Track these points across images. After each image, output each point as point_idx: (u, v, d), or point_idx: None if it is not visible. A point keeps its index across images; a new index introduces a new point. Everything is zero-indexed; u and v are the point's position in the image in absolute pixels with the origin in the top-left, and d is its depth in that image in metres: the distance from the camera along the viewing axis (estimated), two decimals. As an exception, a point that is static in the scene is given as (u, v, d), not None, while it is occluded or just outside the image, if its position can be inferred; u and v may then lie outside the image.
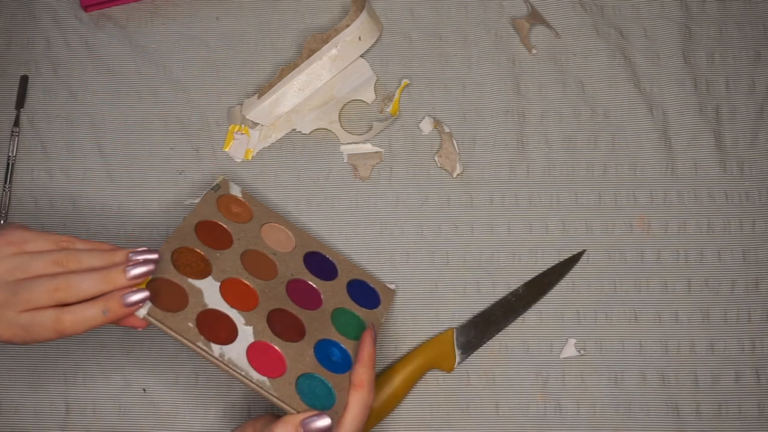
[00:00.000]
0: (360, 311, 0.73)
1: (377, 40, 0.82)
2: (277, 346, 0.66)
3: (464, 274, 0.79)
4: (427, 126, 0.81)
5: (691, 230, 0.80)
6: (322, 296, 0.72)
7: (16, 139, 0.80)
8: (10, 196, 0.79)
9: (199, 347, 0.63)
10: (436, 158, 0.81)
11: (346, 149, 0.81)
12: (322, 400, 0.64)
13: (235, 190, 0.76)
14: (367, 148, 0.81)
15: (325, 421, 0.61)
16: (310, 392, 0.64)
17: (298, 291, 0.71)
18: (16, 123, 0.81)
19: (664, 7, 0.83)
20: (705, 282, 0.79)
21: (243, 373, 0.63)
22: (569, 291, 0.79)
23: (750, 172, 0.81)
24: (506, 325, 0.77)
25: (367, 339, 0.67)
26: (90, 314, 0.61)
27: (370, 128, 0.81)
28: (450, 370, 0.77)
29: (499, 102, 0.82)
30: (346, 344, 0.69)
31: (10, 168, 0.80)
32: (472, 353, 0.77)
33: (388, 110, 0.82)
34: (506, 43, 0.83)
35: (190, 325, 0.63)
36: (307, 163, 0.81)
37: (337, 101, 0.81)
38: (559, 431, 0.77)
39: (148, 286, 0.63)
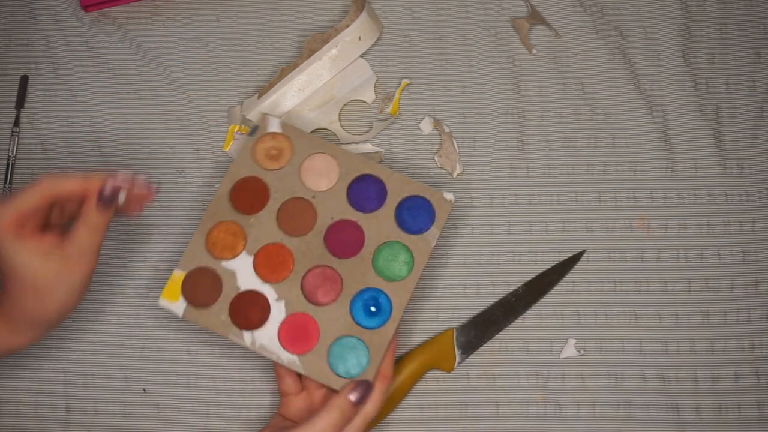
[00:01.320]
0: (407, 239, 0.72)
1: (377, 40, 0.82)
2: (311, 313, 0.69)
3: (464, 274, 0.79)
4: (427, 126, 0.81)
5: (691, 230, 0.80)
6: (365, 234, 0.72)
7: (16, 139, 0.80)
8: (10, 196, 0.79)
9: (231, 339, 0.69)
10: (436, 158, 0.81)
11: (346, 149, 0.81)
12: (355, 363, 0.68)
13: (274, 125, 0.74)
14: (367, 148, 0.81)
15: (357, 393, 0.66)
16: (343, 358, 0.68)
17: (337, 237, 0.72)
18: (16, 123, 0.81)
19: (664, 7, 0.83)
20: (705, 282, 0.79)
21: (274, 356, 0.68)
22: (569, 291, 0.79)
23: (750, 172, 0.81)
24: (506, 325, 0.77)
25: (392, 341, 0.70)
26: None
27: (370, 128, 0.81)
28: (450, 370, 0.77)
29: (499, 102, 0.82)
30: (388, 288, 0.70)
31: (10, 168, 0.80)
32: (472, 353, 0.77)
33: (388, 110, 0.82)
34: (506, 43, 0.83)
35: (223, 318, 0.69)
36: (307, 163, 0.81)
37: (337, 101, 0.81)
38: (559, 431, 0.77)
39: (184, 282, 0.69)
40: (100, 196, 0.64)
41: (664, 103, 0.82)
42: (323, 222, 0.72)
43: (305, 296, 0.70)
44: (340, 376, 0.68)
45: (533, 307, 0.78)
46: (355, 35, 0.80)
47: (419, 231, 0.72)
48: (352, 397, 0.66)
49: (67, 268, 0.64)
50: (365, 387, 0.66)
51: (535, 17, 0.83)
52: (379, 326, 0.69)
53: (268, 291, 0.70)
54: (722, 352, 0.78)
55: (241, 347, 0.69)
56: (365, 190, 0.73)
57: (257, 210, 0.72)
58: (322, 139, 0.74)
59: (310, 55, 0.80)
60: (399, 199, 0.73)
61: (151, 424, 0.76)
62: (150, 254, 0.79)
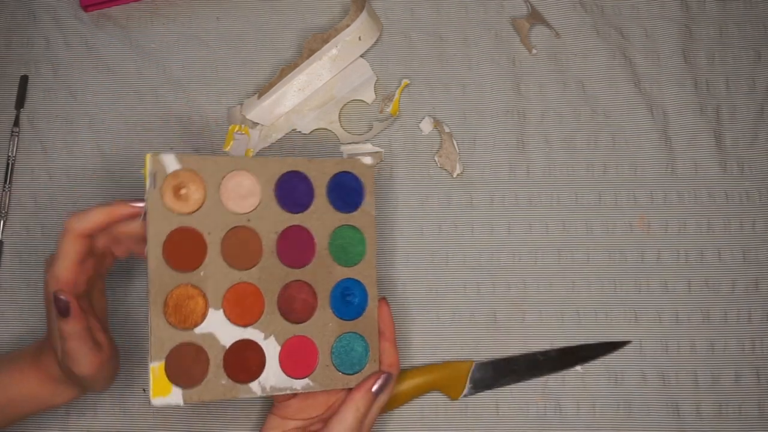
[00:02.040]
0: (350, 219, 0.70)
1: (377, 40, 0.82)
2: (301, 332, 0.68)
3: (464, 274, 0.79)
4: (427, 126, 0.81)
5: (691, 230, 0.80)
6: (312, 233, 0.69)
7: (16, 139, 0.80)
8: (10, 196, 0.79)
9: (242, 398, 0.68)
10: (436, 158, 0.81)
11: (346, 149, 0.81)
12: (358, 356, 0.69)
13: (171, 164, 0.65)
14: (367, 148, 0.81)
15: (379, 384, 0.68)
16: (347, 356, 0.69)
17: (289, 249, 0.68)
18: (16, 123, 0.81)
19: (664, 7, 0.83)
20: (705, 282, 0.79)
21: (288, 390, 0.67)
22: (569, 291, 0.79)
23: (750, 172, 0.81)
24: (526, 379, 0.77)
25: (385, 312, 0.70)
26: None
27: (370, 128, 0.81)
28: (455, 398, 0.76)
29: (499, 102, 0.82)
30: (354, 273, 0.70)
31: (10, 168, 0.80)
32: (482, 392, 0.77)
33: (388, 110, 0.82)
34: (506, 43, 0.83)
35: (224, 382, 0.65)
36: (307, 163, 0.81)
37: (337, 101, 0.81)
38: (559, 431, 0.77)
39: (167, 368, 0.64)
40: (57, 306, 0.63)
41: (664, 103, 0.82)
42: (269, 240, 0.68)
43: (288, 320, 0.67)
44: (351, 375, 0.68)
45: (533, 307, 0.78)
46: (355, 35, 0.80)
47: (355, 207, 0.70)
48: (375, 387, 0.67)
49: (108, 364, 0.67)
50: (386, 378, 0.68)
51: (535, 17, 0.83)
52: (363, 312, 0.69)
53: (252, 334, 0.66)
54: (722, 352, 0.78)
55: (257, 398, 0.69)
56: (292, 190, 0.69)
57: (200, 261, 0.66)
58: (224, 156, 0.69)
59: (310, 55, 0.80)
60: (325, 183, 0.70)
61: (151, 424, 0.76)
62: (150, 254, 0.79)
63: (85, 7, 0.82)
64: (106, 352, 0.66)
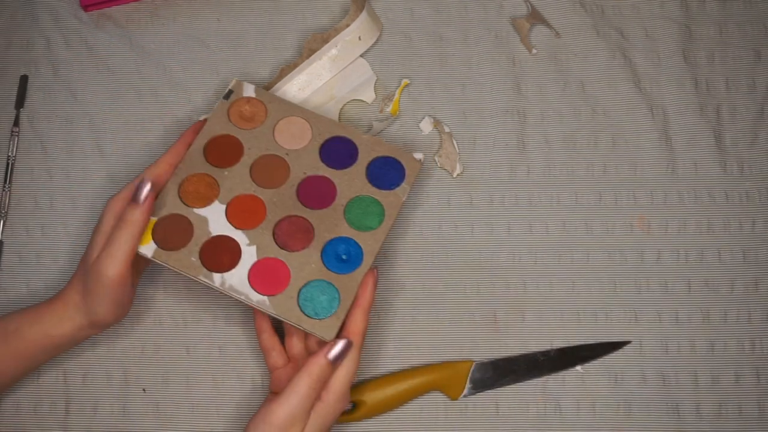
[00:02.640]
0: (379, 194, 0.73)
1: (377, 40, 0.82)
2: (282, 258, 0.70)
3: (464, 274, 0.79)
4: (427, 126, 0.81)
5: (691, 230, 0.80)
6: (336, 189, 0.73)
7: (16, 139, 0.80)
8: (9, 196, 0.79)
9: (200, 280, 0.69)
10: (436, 158, 0.81)
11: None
12: (325, 305, 0.68)
13: (249, 91, 0.76)
14: (367, 148, 0.81)
15: (344, 343, 0.66)
16: (313, 300, 0.68)
17: (310, 190, 0.73)
18: (16, 123, 0.81)
19: (664, 7, 0.83)
20: (705, 282, 0.79)
21: (243, 296, 0.68)
22: (569, 291, 0.79)
23: (750, 172, 0.81)
24: (525, 380, 0.77)
25: (369, 282, 0.69)
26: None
27: (370, 128, 0.81)
28: (455, 398, 0.76)
29: (499, 102, 0.82)
30: (359, 237, 0.71)
31: (9, 168, 0.80)
32: (481, 392, 0.77)
33: (388, 110, 0.82)
34: (506, 43, 0.83)
35: (193, 259, 0.69)
36: (307, 163, 0.81)
37: (337, 101, 0.81)
38: (559, 431, 0.76)
39: (155, 227, 0.70)
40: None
41: (664, 103, 0.82)
42: (296, 176, 0.73)
43: (277, 243, 0.70)
44: (309, 317, 0.68)
45: (534, 307, 0.78)
46: (355, 35, 0.80)
47: (390, 186, 0.73)
48: (330, 355, 0.66)
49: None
50: (345, 345, 0.66)
51: (535, 17, 0.83)
52: (350, 272, 0.70)
53: (239, 237, 0.70)
54: (722, 353, 0.78)
55: (210, 288, 0.69)
56: (337, 150, 0.74)
57: (231, 164, 0.73)
58: (295, 104, 0.76)
59: (310, 55, 0.80)
60: (370, 159, 0.74)
61: (151, 424, 0.76)
62: (150, 254, 0.79)
63: (85, 7, 0.82)
64: (130, 292, 0.70)
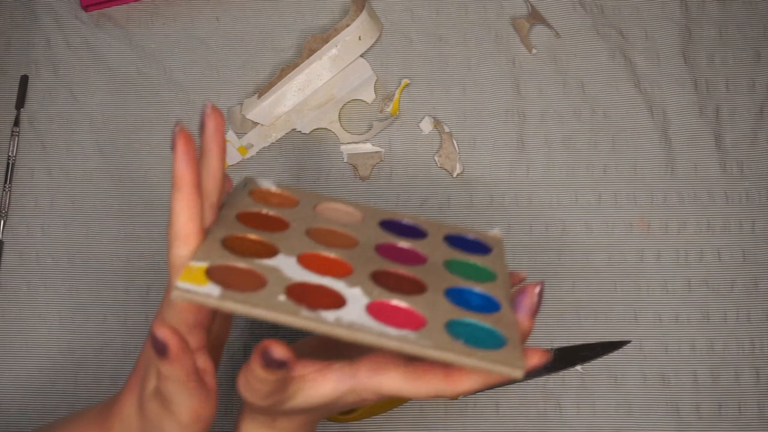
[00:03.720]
0: (475, 258, 0.58)
1: (377, 40, 0.82)
2: (401, 302, 0.50)
3: (464, 274, 0.79)
4: (427, 126, 0.81)
5: (691, 230, 0.80)
6: (423, 253, 0.56)
7: (16, 139, 0.80)
8: (10, 196, 0.79)
9: (304, 318, 0.46)
10: (436, 158, 0.81)
11: (346, 149, 0.81)
12: (486, 342, 0.48)
13: (267, 183, 0.61)
14: (367, 147, 0.81)
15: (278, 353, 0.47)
16: (468, 334, 0.49)
17: (392, 253, 0.56)
18: (16, 123, 0.81)
19: (664, 8, 0.83)
20: (705, 282, 0.79)
21: (376, 332, 0.47)
22: (569, 291, 0.79)
23: (750, 173, 0.81)
24: (525, 379, 0.77)
25: (533, 289, 0.52)
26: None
27: (370, 128, 0.81)
28: (455, 398, 0.76)
29: (499, 102, 0.82)
30: (483, 288, 0.54)
31: (10, 168, 0.80)
32: (481, 392, 0.77)
33: (388, 110, 0.82)
34: (506, 43, 0.83)
35: (282, 298, 0.48)
36: (307, 163, 0.81)
37: (337, 101, 0.81)
38: (559, 431, 0.77)
39: (210, 273, 0.48)
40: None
41: (664, 103, 0.82)
42: (367, 242, 0.56)
43: (384, 288, 0.51)
44: (479, 349, 0.47)
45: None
46: (355, 35, 0.80)
47: (483, 251, 0.59)
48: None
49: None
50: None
51: (536, 17, 0.83)
52: (495, 311, 0.51)
53: (333, 283, 0.50)
54: (722, 352, 0.78)
55: (317, 333, 0.49)
56: (401, 227, 0.60)
57: (280, 230, 0.55)
58: (329, 196, 0.62)
59: (310, 55, 0.80)
60: (442, 234, 0.60)
61: (151, 424, 0.76)
62: (150, 254, 0.79)
63: (86, 7, 0.82)
64: (212, 399, 0.53)
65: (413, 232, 0.60)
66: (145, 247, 0.79)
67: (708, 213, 0.80)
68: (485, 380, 0.49)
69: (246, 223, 0.54)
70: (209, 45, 0.82)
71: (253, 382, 0.49)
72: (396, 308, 0.49)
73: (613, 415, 0.77)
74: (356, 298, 0.49)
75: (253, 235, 0.53)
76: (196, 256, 0.49)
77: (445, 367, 0.50)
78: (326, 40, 0.81)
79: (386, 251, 0.56)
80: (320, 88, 0.81)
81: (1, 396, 0.76)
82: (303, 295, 0.49)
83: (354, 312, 0.48)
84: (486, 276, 0.56)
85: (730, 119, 0.82)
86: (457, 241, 0.60)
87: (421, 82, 0.82)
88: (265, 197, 0.59)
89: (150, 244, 0.79)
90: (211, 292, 0.46)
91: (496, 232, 0.62)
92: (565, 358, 0.77)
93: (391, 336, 0.46)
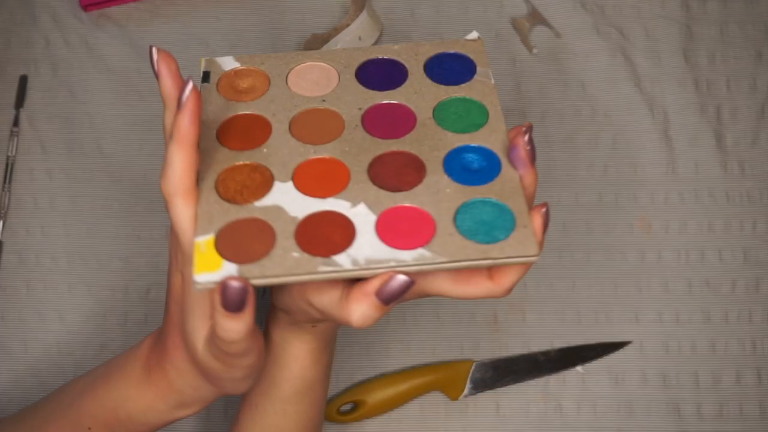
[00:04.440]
0: (459, 90, 0.56)
1: (377, 39, 0.82)
2: (406, 201, 0.50)
3: (464, 274, 0.79)
4: (427, 126, 0.81)
5: (692, 230, 0.80)
6: (408, 106, 0.56)
7: (16, 138, 0.80)
8: (9, 196, 0.79)
9: (323, 273, 0.47)
10: (436, 158, 0.81)
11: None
12: (497, 224, 0.49)
13: (229, 63, 0.58)
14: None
15: (399, 280, 0.47)
16: (479, 226, 0.49)
17: (378, 122, 0.55)
18: (16, 123, 0.81)
19: (664, 7, 0.83)
20: (706, 282, 0.79)
21: (392, 263, 0.47)
22: (569, 291, 0.78)
23: (751, 172, 0.81)
24: (526, 380, 0.77)
25: (522, 139, 0.51)
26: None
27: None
28: (455, 398, 0.76)
29: (500, 102, 0.82)
30: (475, 139, 0.53)
31: (9, 168, 0.80)
32: (482, 392, 0.77)
33: (388, 110, 0.82)
34: (506, 43, 0.83)
35: (296, 255, 0.48)
36: (307, 163, 0.81)
37: (337, 101, 0.81)
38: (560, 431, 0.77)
39: (218, 244, 0.48)
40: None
41: (665, 102, 0.82)
42: (352, 116, 0.55)
43: (386, 189, 0.51)
44: (490, 244, 0.48)
45: (534, 307, 0.78)
46: (355, 35, 0.80)
47: (465, 79, 0.57)
48: (381, 294, 0.48)
49: None
50: (402, 283, 0.48)
51: (536, 17, 0.83)
52: (496, 176, 0.51)
53: (335, 204, 0.50)
54: (723, 353, 0.78)
55: (340, 278, 0.48)
56: (377, 73, 0.58)
57: (264, 139, 0.54)
58: (293, 53, 0.59)
59: (310, 55, 0.80)
60: (421, 64, 0.58)
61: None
62: (150, 254, 0.79)
63: (85, 7, 0.82)
64: (263, 348, 0.52)
65: (392, 72, 0.58)
66: (145, 247, 0.79)
67: (709, 213, 0.80)
68: (526, 268, 0.50)
69: (227, 140, 0.54)
70: (209, 45, 0.82)
71: (372, 309, 0.48)
72: (403, 216, 0.50)
73: (613, 416, 0.77)
74: (363, 220, 0.49)
75: (240, 161, 0.53)
76: (198, 230, 0.49)
77: (488, 271, 0.50)
78: (326, 40, 0.81)
79: (373, 119, 0.55)
80: (320, 88, 0.81)
81: (0, 396, 0.76)
82: (313, 235, 0.49)
83: (365, 242, 0.48)
84: (477, 116, 0.55)
85: (731, 119, 0.81)
86: (438, 68, 0.58)
87: (422, 81, 0.82)
88: (233, 85, 0.57)
89: (150, 244, 0.79)
90: (227, 273, 0.47)
91: (474, 35, 0.60)
92: (566, 358, 0.77)
93: (408, 262, 0.47)
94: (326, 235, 0.49)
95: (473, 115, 0.55)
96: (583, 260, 0.79)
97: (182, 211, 0.49)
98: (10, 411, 0.76)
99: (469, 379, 0.76)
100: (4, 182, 0.79)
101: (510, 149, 0.51)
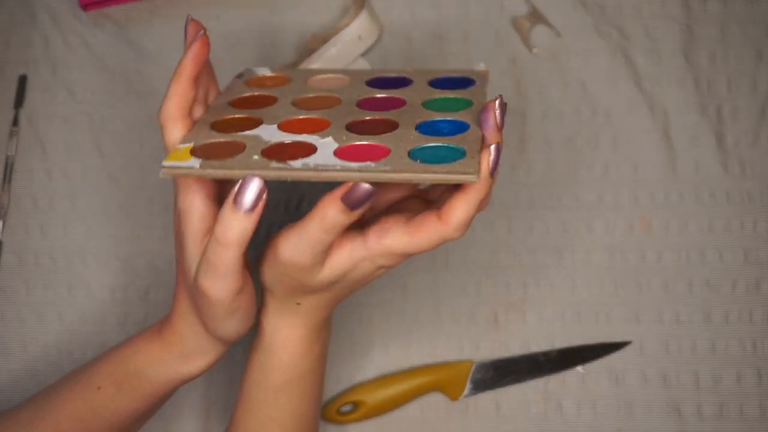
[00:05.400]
0: (456, 93, 0.61)
1: (377, 39, 0.82)
2: (369, 141, 0.54)
3: (464, 274, 0.78)
4: (427, 126, 0.81)
5: (693, 230, 0.79)
6: (403, 98, 0.60)
7: (15, 138, 0.80)
8: (9, 196, 0.79)
9: (273, 169, 0.51)
10: (436, 158, 0.81)
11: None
12: (446, 158, 0.51)
13: (263, 70, 0.66)
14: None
15: (364, 187, 0.50)
16: (429, 158, 0.51)
17: (373, 104, 0.60)
18: (15, 122, 0.80)
19: (665, 7, 0.83)
20: (706, 282, 0.79)
21: (339, 167, 0.50)
22: (570, 291, 0.78)
23: (752, 173, 0.80)
24: (526, 380, 0.77)
25: (493, 103, 0.54)
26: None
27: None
28: (455, 398, 0.76)
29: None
30: (454, 116, 0.57)
31: (8, 168, 0.80)
32: (482, 392, 0.76)
33: (388, 110, 0.82)
34: (507, 43, 0.82)
35: (256, 157, 0.52)
36: (306, 163, 0.80)
37: (337, 101, 0.81)
38: (560, 432, 0.76)
39: (194, 151, 0.53)
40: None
41: (666, 102, 0.81)
42: (350, 99, 0.60)
43: (357, 134, 0.55)
44: (436, 165, 0.51)
45: (534, 307, 0.78)
46: (355, 34, 0.80)
47: (465, 86, 0.62)
48: (346, 200, 0.50)
49: None
50: (365, 191, 0.51)
51: (536, 16, 0.83)
52: (463, 132, 0.54)
53: (307, 138, 0.54)
54: (724, 353, 0.77)
55: (287, 180, 0.51)
56: (386, 81, 0.63)
57: (266, 105, 0.60)
58: (325, 69, 0.66)
59: (309, 55, 0.80)
60: (427, 79, 0.63)
61: (151, 424, 0.76)
62: (150, 254, 0.78)
63: (84, 7, 0.82)
64: (249, 281, 0.57)
65: (399, 82, 0.63)
66: (145, 248, 0.79)
67: (709, 213, 0.80)
68: (471, 199, 0.52)
69: (237, 106, 0.60)
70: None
71: (307, 242, 0.52)
72: (363, 147, 0.53)
73: (614, 416, 0.77)
74: (326, 146, 0.53)
75: (239, 114, 0.58)
76: (183, 139, 0.55)
77: (436, 211, 0.53)
78: (326, 40, 0.81)
79: (366, 103, 0.60)
80: (320, 88, 0.81)
81: (-1, 396, 0.76)
82: (278, 153, 0.53)
83: (321, 157, 0.52)
84: (463, 105, 0.59)
85: (732, 119, 0.81)
86: (441, 82, 0.63)
87: (422, 81, 0.82)
88: (261, 82, 0.64)
89: (149, 244, 0.79)
90: (192, 164, 0.51)
91: (482, 66, 0.65)
92: (566, 358, 0.77)
93: (352, 168, 0.50)
94: (290, 153, 0.53)
95: (459, 105, 0.59)
96: (583, 260, 0.79)
97: (172, 133, 0.55)
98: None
99: (469, 379, 0.76)
100: (4, 182, 0.79)
101: (481, 112, 0.54)
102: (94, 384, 0.62)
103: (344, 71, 0.65)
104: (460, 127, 0.55)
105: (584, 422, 0.76)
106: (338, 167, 0.50)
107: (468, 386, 0.76)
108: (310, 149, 0.53)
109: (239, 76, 0.66)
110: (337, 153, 0.52)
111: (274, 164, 0.51)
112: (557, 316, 0.78)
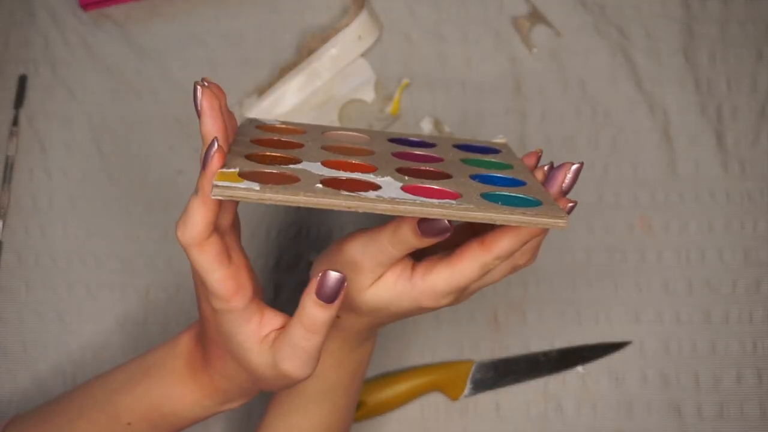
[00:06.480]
0: (488, 157, 0.60)
1: (377, 39, 0.82)
2: (432, 184, 0.51)
3: (464, 274, 0.78)
4: (427, 126, 0.81)
5: (693, 230, 0.79)
6: (438, 156, 0.58)
7: (15, 138, 0.80)
8: (9, 196, 0.79)
9: (346, 198, 0.47)
10: (436, 158, 0.81)
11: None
12: (523, 205, 0.50)
13: (272, 121, 0.63)
14: (367, 147, 0.80)
15: (444, 222, 0.49)
16: (505, 202, 0.50)
17: (408, 157, 0.57)
18: (15, 122, 0.80)
19: (665, 6, 0.83)
20: (706, 282, 0.78)
21: (418, 202, 0.48)
22: (570, 291, 0.78)
23: (752, 172, 0.80)
24: (526, 380, 0.77)
25: (569, 166, 0.55)
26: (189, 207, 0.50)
27: (370, 128, 0.81)
28: (455, 398, 0.76)
29: (499, 102, 0.81)
30: (501, 173, 0.56)
31: (8, 168, 0.80)
32: (482, 392, 0.76)
33: (388, 110, 0.82)
34: (507, 43, 0.82)
35: (320, 185, 0.48)
36: (306, 163, 0.80)
37: (336, 101, 0.81)
38: (560, 432, 0.76)
39: (241, 174, 0.49)
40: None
41: (666, 102, 0.81)
42: (383, 150, 0.58)
43: (411, 177, 0.52)
44: (518, 207, 0.49)
45: (534, 306, 0.78)
46: (355, 34, 0.80)
47: (493, 153, 0.61)
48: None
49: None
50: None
51: (536, 16, 0.83)
52: (521, 186, 0.53)
53: (361, 176, 0.51)
54: (724, 353, 0.77)
55: (357, 210, 0.47)
56: (410, 141, 0.62)
57: (296, 148, 0.56)
58: (335, 126, 0.64)
59: (309, 55, 0.80)
60: (450, 144, 0.62)
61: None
62: (149, 254, 0.78)
63: (84, 6, 0.82)
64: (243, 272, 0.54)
65: (422, 144, 0.62)
66: (144, 248, 0.79)
67: (709, 213, 0.80)
68: (520, 237, 0.51)
69: (263, 145, 0.56)
70: (208, 44, 0.82)
71: (375, 246, 0.52)
72: (429, 189, 0.50)
73: (614, 416, 0.76)
74: (389, 184, 0.50)
75: (273, 152, 0.54)
76: (224, 165, 0.49)
77: (478, 238, 0.52)
78: (326, 40, 0.81)
79: (403, 156, 0.57)
80: (320, 88, 0.81)
81: (-1, 396, 0.76)
82: (337, 186, 0.49)
83: (391, 191, 0.49)
84: (501, 166, 0.57)
85: (732, 118, 0.81)
86: (466, 147, 0.62)
87: (421, 81, 0.82)
88: (272, 130, 0.60)
89: (149, 244, 0.78)
90: (251, 186, 0.46)
91: (501, 138, 0.64)
92: (566, 358, 0.77)
93: (432, 204, 0.47)
94: (351, 187, 0.49)
95: (499, 166, 0.58)
96: (583, 260, 0.79)
97: (198, 258, 0.50)
98: (9, 411, 0.76)
99: (469, 380, 0.76)
100: (4, 182, 0.79)
101: (552, 168, 0.54)
102: (122, 420, 0.60)
103: (358, 129, 0.64)
104: (513, 182, 0.54)
105: (584, 422, 0.76)
106: (417, 202, 0.48)
107: (468, 386, 0.76)
108: (370, 185, 0.50)
109: (248, 122, 0.62)
110: (406, 191, 0.50)
111: (345, 193, 0.47)
112: (557, 316, 0.78)
